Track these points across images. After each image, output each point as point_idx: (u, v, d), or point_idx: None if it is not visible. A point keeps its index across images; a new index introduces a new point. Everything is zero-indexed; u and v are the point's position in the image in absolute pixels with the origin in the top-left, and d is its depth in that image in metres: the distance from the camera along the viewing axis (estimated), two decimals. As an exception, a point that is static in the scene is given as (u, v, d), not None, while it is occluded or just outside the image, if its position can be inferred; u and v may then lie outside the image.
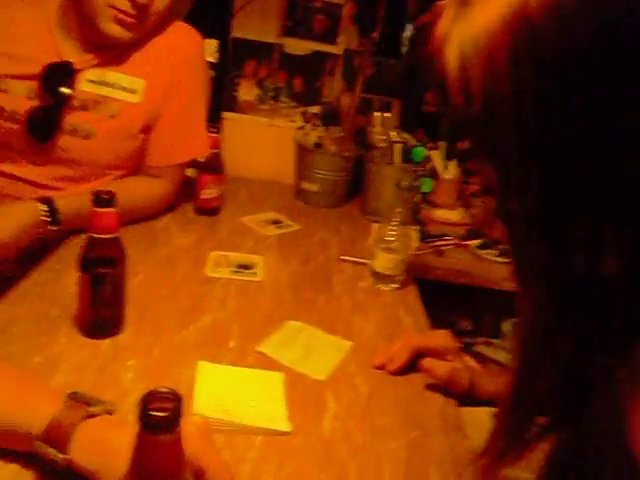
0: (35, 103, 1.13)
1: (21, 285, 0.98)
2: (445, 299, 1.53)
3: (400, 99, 1.88)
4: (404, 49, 1.88)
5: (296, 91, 1.68)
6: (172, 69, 1.23)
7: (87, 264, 0.83)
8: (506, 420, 0.50)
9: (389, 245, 1.19)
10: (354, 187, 1.68)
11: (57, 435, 0.58)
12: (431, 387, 0.91)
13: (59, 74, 1.13)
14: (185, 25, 1.30)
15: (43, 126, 1.13)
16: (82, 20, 1.13)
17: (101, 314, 0.86)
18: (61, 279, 1.01)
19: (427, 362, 0.89)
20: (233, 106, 1.68)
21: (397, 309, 1.15)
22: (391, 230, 1.19)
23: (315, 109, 1.67)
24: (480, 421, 0.88)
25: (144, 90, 1.20)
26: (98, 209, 0.80)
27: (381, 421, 0.82)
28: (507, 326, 1.74)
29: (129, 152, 1.23)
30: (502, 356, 1.65)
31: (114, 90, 1.18)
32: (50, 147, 1.15)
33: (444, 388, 0.90)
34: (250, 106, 1.69)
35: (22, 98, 1.14)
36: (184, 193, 1.54)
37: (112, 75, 1.18)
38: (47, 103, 1.13)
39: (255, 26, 1.61)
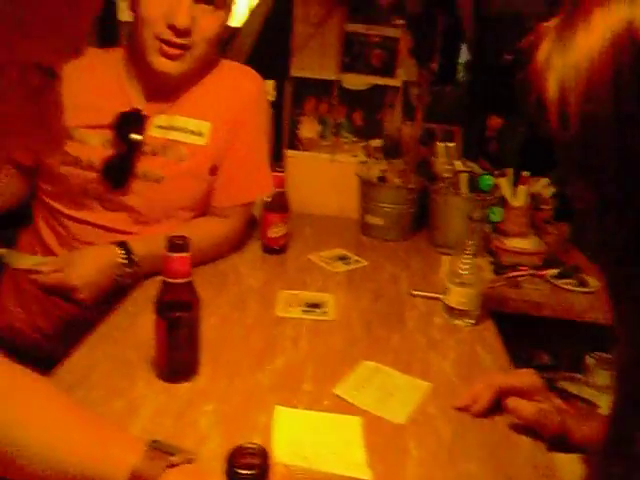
0: (109, 151, 1.18)
1: (100, 329, 1.00)
2: (522, 332, 1.45)
3: (461, 127, 1.85)
4: (461, 76, 1.86)
5: (357, 125, 1.68)
6: (235, 111, 1.25)
7: (162, 308, 0.84)
8: (601, 468, 0.45)
9: (462, 279, 1.15)
10: (420, 220, 1.65)
11: None
12: (518, 430, 0.85)
13: (130, 122, 1.17)
14: (245, 67, 1.33)
15: (118, 172, 1.17)
16: (142, 63, 1.16)
17: (177, 358, 0.87)
18: (138, 322, 1.02)
19: (512, 401, 0.83)
20: (296, 144, 1.70)
21: (475, 346, 1.10)
22: (464, 263, 1.15)
23: (377, 142, 1.66)
24: (573, 469, 0.82)
25: (210, 132, 1.23)
26: (172, 254, 0.81)
27: (467, 467, 0.77)
28: (591, 360, 1.63)
29: (198, 194, 1.25)
30: (588, 392, 1.54)
31: (182, 134, 1.21)
32: (124, 192, 1.19)
33: (532, 431, 0.84)
34: (312, 143, 1.70)
35: (97, 147, 1.18)
36: (251, 232, 1.56)
37: (179, 119, 1.21)
38: (121, 150, 1.17)
39: (314, 64, 1.63)
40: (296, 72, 1.64)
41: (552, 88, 0.37)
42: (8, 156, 0.44)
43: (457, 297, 1.15)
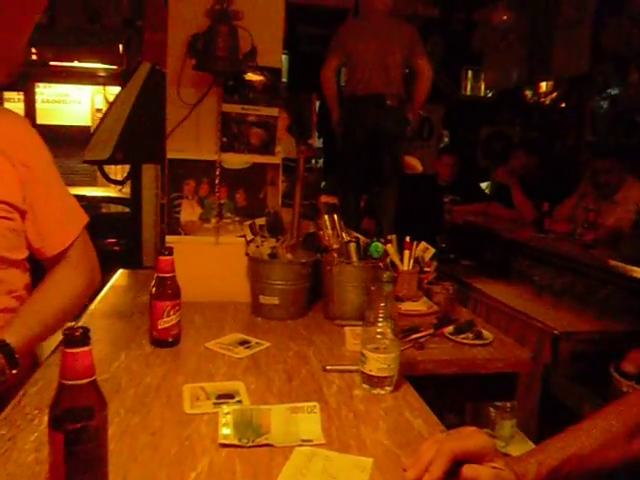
0: None
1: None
2: (428, 394, 1.44)
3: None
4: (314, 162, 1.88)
5: (240, 205, 1.64)
6: (12, 153, 1.13)
7: (59, 419, 0.68)
8: None
9: (379, 344, 1.11)
10: (312, 294, 1.62)
11: None
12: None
13: None
14: (9, 109, 1.23)
15: None
16: None
17: (79, 482, 0.70)
18: (16, 447, 0.83)
19: (470, 469, 0.77)
20: (177, 228, 1.60)
21: (403, 412, 1.05)
22: (378, 328, 1.12)
23: (261, 221, 1.63)
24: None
25: None
26: (71, 349, 0.67)
27: None
28: (493, 412, 1.66)
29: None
30: (498, 445, 1.55)
31: None
32: None
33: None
34: (194, 226, 1.61)
35: None
36: (134, 326, 1.41)
37: None
38: None
39: (190, 145, 1.58)
40: (172, 154, 1.57)
41: None
42: None
43: (376, 364, 1.10)
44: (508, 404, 1.63)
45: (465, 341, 1.46)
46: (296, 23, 4.44)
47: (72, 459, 0.69)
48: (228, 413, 0.95)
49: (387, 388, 1.12)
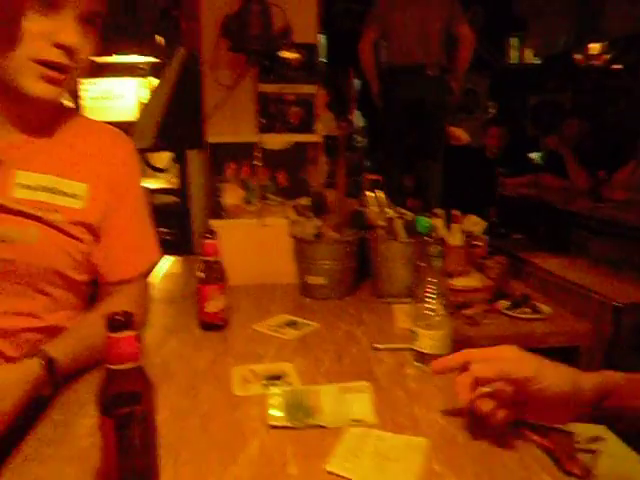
0: None
1: (23, 449, 0.81)
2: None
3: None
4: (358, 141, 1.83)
5: (282, 186, 1.62)
6: (112, 173, 1.11)
7: (108, 404, 0.68)
8: None
9: (430, 321, 1.07)
10: (359, 273, 1.58)
11: None
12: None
13: None
14: (114, 128, 1.19)
15: None
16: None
17: (131, 466, 0.70)
18: (71, 430, 0.84)
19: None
20: (220, 212, 1.60)
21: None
22: (428, 304, 1.08)
23: (305, 201, 1.60)
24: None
25: (87, 195, 1.06)
26: (115, 334, 0.67)
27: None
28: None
29: (75, 257, 1.06)
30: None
31: (53, 195, 1.02)
32: None
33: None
34: (238, 209, 1.61)
35: None
36: (184, 311, 1.42)
37: (49, 179, 1.03)
38: None
39: (229, 128, 1.57)
40: (212, 138, 1.56)
41: None
42: None
43: (428, 341, 1.06)
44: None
45: (522, 315, 1.40)
46: (332, 1, 4.35)
47: (123, 443, 0.69)
48: (277, 394, 0.94)
49: (440, 366, 1.08)
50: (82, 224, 1.05)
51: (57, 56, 0.95)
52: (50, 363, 0.92)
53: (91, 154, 1.09)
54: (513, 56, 5.93)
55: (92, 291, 1.15)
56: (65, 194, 1.03)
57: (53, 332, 1.03)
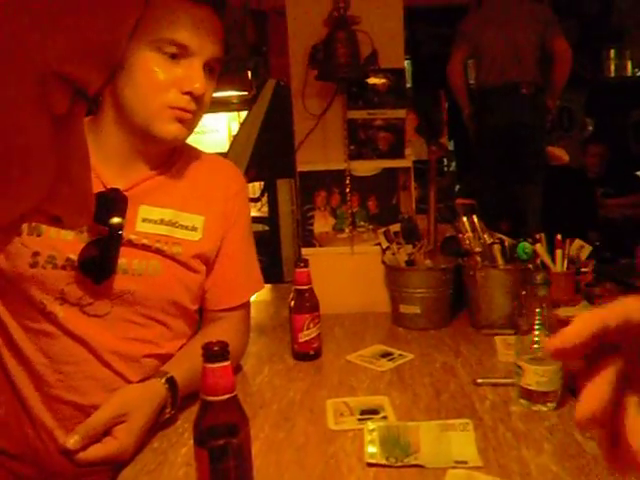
0: (84, 242, 0.98)
1: (125, 475, 0.82)
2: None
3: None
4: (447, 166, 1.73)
5: (372, 213, 1.59)
6: (225, 205, 1.14)
7: (203, 435, 0.67)
8: None
9: (537, 355, 0.99)
10: (455, 302, 1.51)
11: None
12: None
13: (108, 203, 0.99)
14: (226, 160, 1.24)
15: (99, 266, 0.97)
16: (134, 134, 1.03)
17: (227, 499, 0.69)
18: (169, 459, 0.85)
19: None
20: (311, 240, 1.59)
21: (570, 432, 0.92)
22: (534, 336, 1.00)
23: (396, 227, 1.56)
24: None
25: (203, 226, 1.10)
26: (211, 365, 0.66)
27: None
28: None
29: (193, 287, 1.10)
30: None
31: (173, 228, 1.06)
32: (107, 290, 1.00)
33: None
34: (328, 237, 1.60)
35: (71, 240, 0.98)
36: (276, 340, 1.41)
37: (169, 212, 1.07)
38: (100, 239, 0.98)
39: (319, 156, 1.57)
40: (302, 167, 1.57)
41: None
42: (14, 221, 0.30)
43: (535, 377, 0.98)
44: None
45: (639, 348, 1.27)
46: (417, 26, 4.34)
47: (217, 475, 0.68)
48: (374, 430, 0.90)
49: (550, 404, 0.99)
50: (199, 256, 1.09)
51: (187, 103, 1.01)
52: (172, 384, 0.95)
53: (207, 187, 1.14)
54: (611, 69, 5.61)
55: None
56: (185, 227, 1.08)
57: (170, 359, 1.07)
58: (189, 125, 1.05)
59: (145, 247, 1.03)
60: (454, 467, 0.81)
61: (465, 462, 0.83)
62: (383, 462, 0.83)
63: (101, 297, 1.00)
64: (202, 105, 1.05)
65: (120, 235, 1.00)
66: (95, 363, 0.99)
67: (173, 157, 1.12)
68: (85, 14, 0.26)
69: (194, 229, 1.09)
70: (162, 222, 1.06)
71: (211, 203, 1.13)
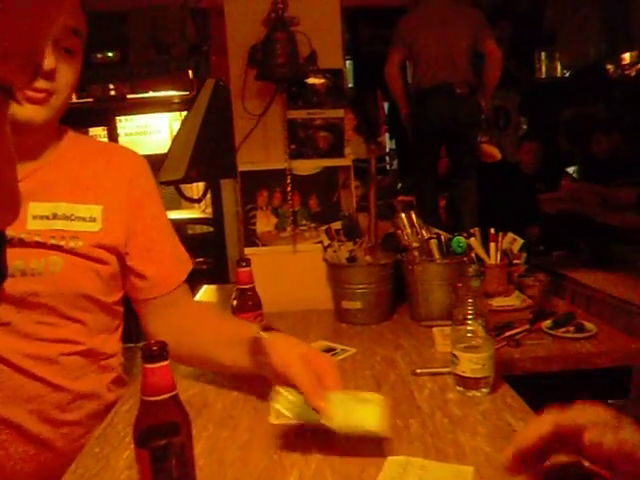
0: None
1: (63, 484, 0.81)
2: (531, 395, 1.34)
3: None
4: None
5: (314, 211, 1.61)
6: (129, 191, 1.11)
7: (143, 436, 0.67)
8: None
9: (470, 344, 1.04)
10: (396, 296, 1.56)
11: None
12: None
13: None
14: (125, 147, 1.22)
15: None
16: None
17: (170, 499, 0.69)
18: (109, 465, 0.84)
19: (591, 434, 0.53)
20: (254, 240, 1.60)
21: (503, 415, 0.97)
22: (468, 326, 1.05)
23: (337, 225, 1.59)
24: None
25: (102, 217, 1.07)
26: (150, 365, 0.67)
27: None
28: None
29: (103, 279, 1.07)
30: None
31: (71, 222, 1.03)
32: (9, 296, 0.96)
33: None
34: (270, 237, 1.61)
35: None
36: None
37: (62, 206, 1.03)
38: None
39: (259, 155, 1.58)
40: (243, 167, 1.58)
41: None
42: None
43: (470, 364, 1.03)
44: (621, 402, 1.50)
45: (566, 335, 1.35)
46: (357, 26, 4.41)
47: (159, 476, 0.68)
48: (279, 393, 0.88)
49: (483, 390, 1.04)
50: (103, 247, 1.06)
51: (35, 81, 0.91)
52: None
53: (104, 176, 1.10)
54: (542, 71, 5.86)
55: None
56: (82, 219, 1.04)
57: (95, 355, 1.05)
58: (46, 105, 0.99)
59: (40, 245, 0.99)
60: (363, 435, 0.82)
61: (374, 432, 0.83)
62: (289, 417, 0.84)
63: (3, 304, 0.97)
64: (58, 84, 0.99)
65: (1, 236, 0.96)
66: (9, 372, 0.96)
67: (57, 149, 1.08)
68: (10, 16, 0.27)
69: (92, 220, 1.05)
70: (55, 217, 1.02)
71: (110, 191, 1.09)
